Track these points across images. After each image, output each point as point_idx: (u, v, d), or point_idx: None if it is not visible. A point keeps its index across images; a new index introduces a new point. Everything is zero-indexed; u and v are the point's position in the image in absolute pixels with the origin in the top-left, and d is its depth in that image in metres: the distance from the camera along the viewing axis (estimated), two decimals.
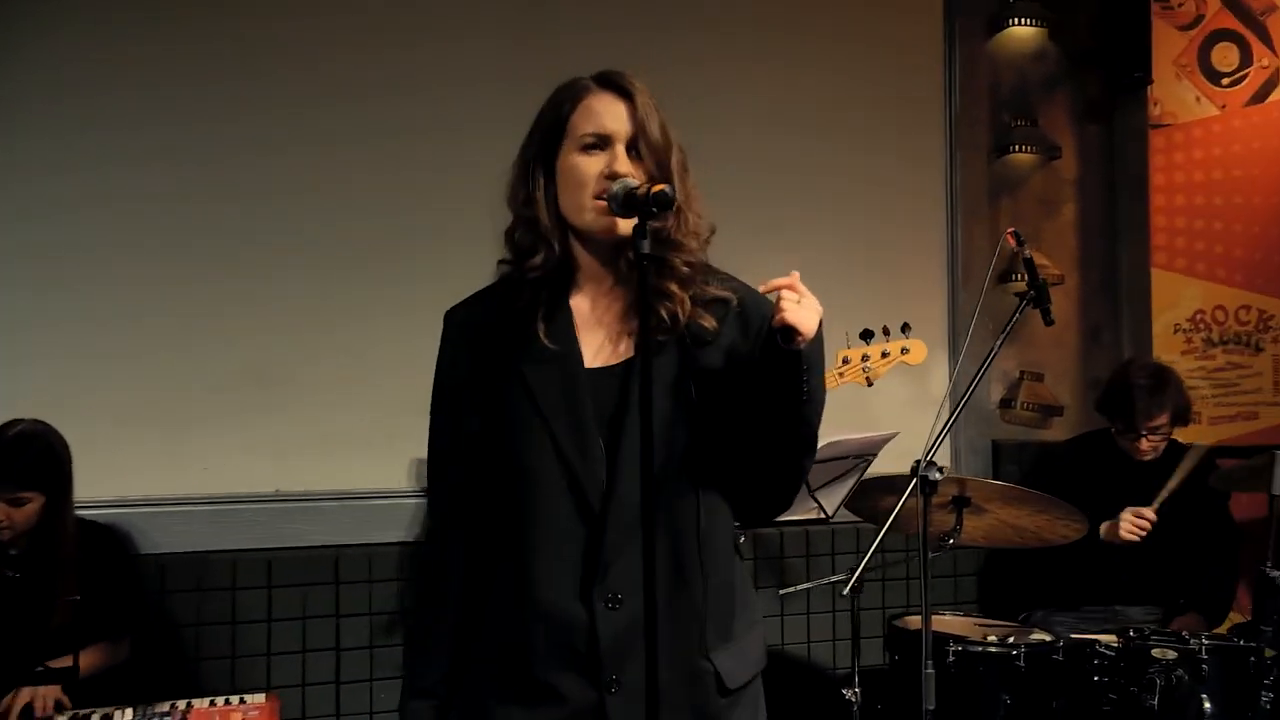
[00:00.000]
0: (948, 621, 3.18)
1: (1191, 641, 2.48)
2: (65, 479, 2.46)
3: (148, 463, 2.95)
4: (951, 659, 2.77)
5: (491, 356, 1.50)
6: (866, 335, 2.62)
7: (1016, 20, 4.03)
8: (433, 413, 1.60)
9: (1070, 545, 2.88)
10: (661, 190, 1.32)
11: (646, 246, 1.34)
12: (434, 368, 3.17)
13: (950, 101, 3.98)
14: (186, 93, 3.03)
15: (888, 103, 3.87)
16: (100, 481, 2.77)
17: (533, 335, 1.48)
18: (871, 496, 2.88)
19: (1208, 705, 2.43)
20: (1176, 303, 4.18)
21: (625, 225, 1.45)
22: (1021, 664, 2.75)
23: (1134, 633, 2.60)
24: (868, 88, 3.83)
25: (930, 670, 2.18)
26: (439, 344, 1.58)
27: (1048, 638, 2.90)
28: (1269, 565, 2.38)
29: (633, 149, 1.47)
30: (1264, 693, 2.49)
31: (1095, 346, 4.15)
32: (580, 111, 1.48)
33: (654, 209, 1.32)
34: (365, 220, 3.16)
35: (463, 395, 1.53)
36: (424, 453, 3.12)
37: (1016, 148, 4.03)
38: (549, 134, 1.50)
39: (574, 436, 1.44)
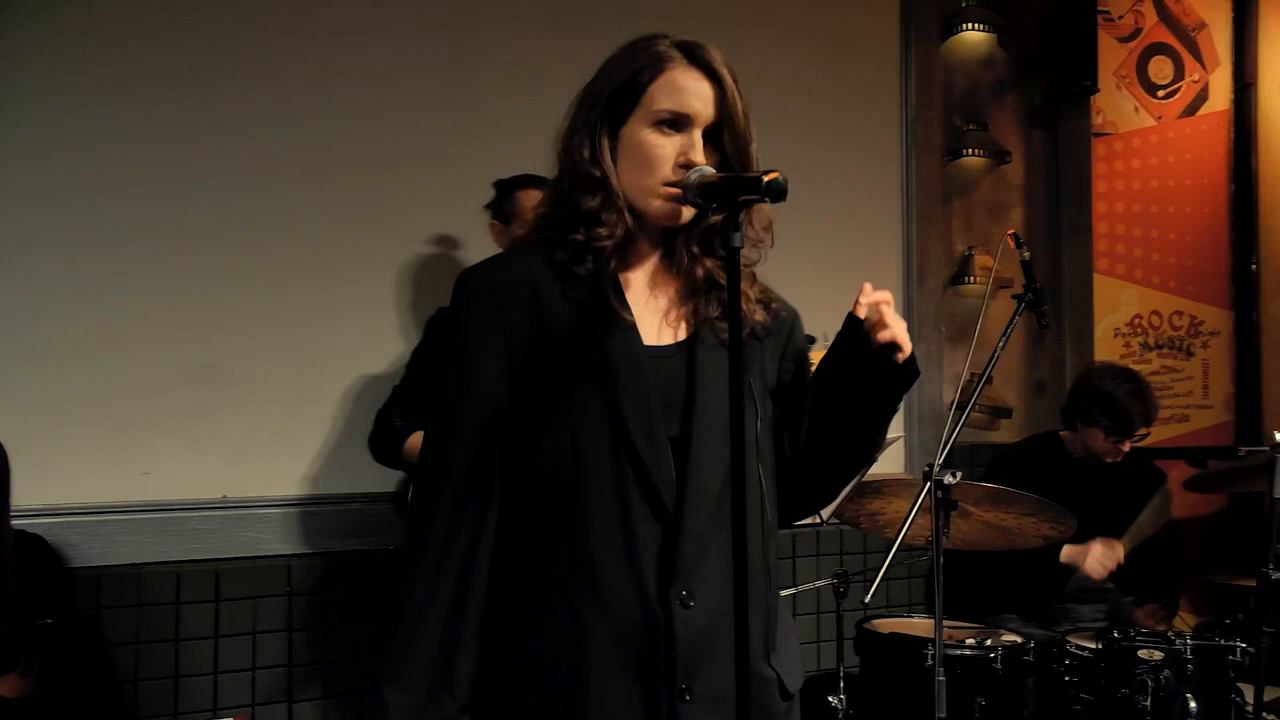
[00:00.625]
0: (915, 624, 3.16)
1: (1177, 642, 2.51)
2: (3, 487, 2.21)
3: (83, 468, 2.71)
4: (930, 663, 2.75)
5: (537, 323, 1.35)
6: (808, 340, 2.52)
7: (968, 25, 4.07)
8: (446, 383, 1.37)
9: (1028, 552, 2.90)
10: (777, 179, 1.21)
11: (739, 240, 1.24)
12: (393, 363, 3.01)
13: (906, 102, 3.99)
14: (129, 73, 2.79)
15: (846, 101, 3.85)
16: (31, 489, 2.51)
17: (593, 306, 1.35)
18: (854, 500, 2.83)
19: (1193, 704, 2.46)
20: (1116, 307, 4.28)
21: (685, 216, 1.37)
22: (998, 666, 2.75)
23: (1118, 634, 2.62)
24: (826, 85, 3.80)
25: (942, 678, 2.14)
26: (458, 306, 1.38)
27: (1019, 639, 2.90)
28: (1271, 567, 2.43)
29: (711, 137, 1.37)
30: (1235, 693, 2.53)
31: (1039, 350, 4.22)
32: (662, 84, 1.36)
33: (766, 199, 1.22)
34: (321, 212, 2.96)
35: (494, 364, 1.35)
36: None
37: (968, 151, 4.07)
38: (620, 97, 1.38)
39: (640, 418, 1.31)
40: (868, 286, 1.34)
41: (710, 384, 1.36)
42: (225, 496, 2.85)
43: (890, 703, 2.90)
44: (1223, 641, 2.54)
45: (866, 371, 1.34)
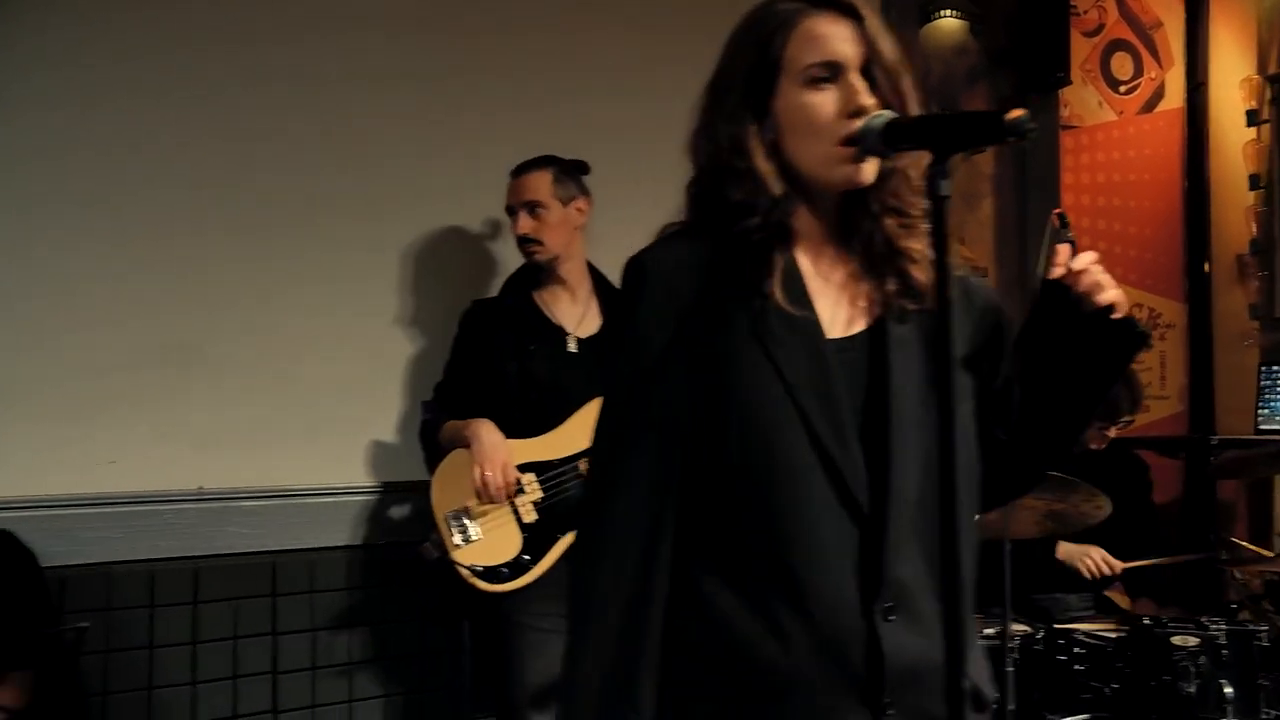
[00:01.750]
0: None
1: (1211, 627, 2.50)
2: None
3: (41, 456, 2.40)
4: None
5: (713, 316, 1.23)
6: None
7: (945, 11, 4.04)
8: (619, 375, 1.28)
9: (1019, 543, 2.88)
10: (1024, 117, 1.07)
11: (947, 188, 1.10)
12: (385, 345, 2.81)
13: None
14: (88, 32, 2.49)
15: None
16: None
17: (762, 298, 1.23)
18: None
19: (1228, 690, 2.45)
20: None
21: (869, 173, 1.23)
22: (1016, 655, 2.70)
23: (1149, 620, 2.60)
24: None
25: (1010, 668, 2.06)
26: (631, 291, 1.26)
27: (1028, 629, 2.86)
28: None
29: (865, 75, 1.23)
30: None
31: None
32: (798, 40, 1.23)
33: (1013, 139, 1.09)
34: (301, 177, 2.71)
35: (673, 359, 1.23)
36: (376, 441, 2.78)
37: None
38: (757, 71, 1.25)
39: (830, 419, 1.20)
40: (1067, 249, 1.25)
41: (903, 373, 1.24)
42: (201, 488, 2.58)
43: None
44: (1251, 625, 2.54)
45: (1081, 339, 1.24)
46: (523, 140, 2.63)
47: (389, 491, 2.77)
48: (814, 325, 1.24)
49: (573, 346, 2.50)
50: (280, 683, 2.61)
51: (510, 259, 2.74)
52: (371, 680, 2.71)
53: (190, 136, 2.59)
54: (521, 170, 2.55)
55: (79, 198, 2.48)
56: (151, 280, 2.55)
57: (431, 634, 2.75)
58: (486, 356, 2.50)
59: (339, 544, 2.72)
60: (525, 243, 2.52)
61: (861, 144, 1.19)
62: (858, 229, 1.28)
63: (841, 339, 1.25)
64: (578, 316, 2.54)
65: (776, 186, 1.24)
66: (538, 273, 2.56)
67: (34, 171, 2.44)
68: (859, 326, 1.27)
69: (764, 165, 1.23)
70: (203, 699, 2.51)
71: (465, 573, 2.32)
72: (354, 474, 2.76)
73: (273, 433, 2.67)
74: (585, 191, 2.58)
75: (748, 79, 1.25)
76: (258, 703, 2.58)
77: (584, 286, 2.58)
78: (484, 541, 2.36)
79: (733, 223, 1.24)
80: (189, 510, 2.55)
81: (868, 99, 1.21)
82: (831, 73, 1.22)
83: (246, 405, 2.64)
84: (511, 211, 2.55)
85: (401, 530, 2.74)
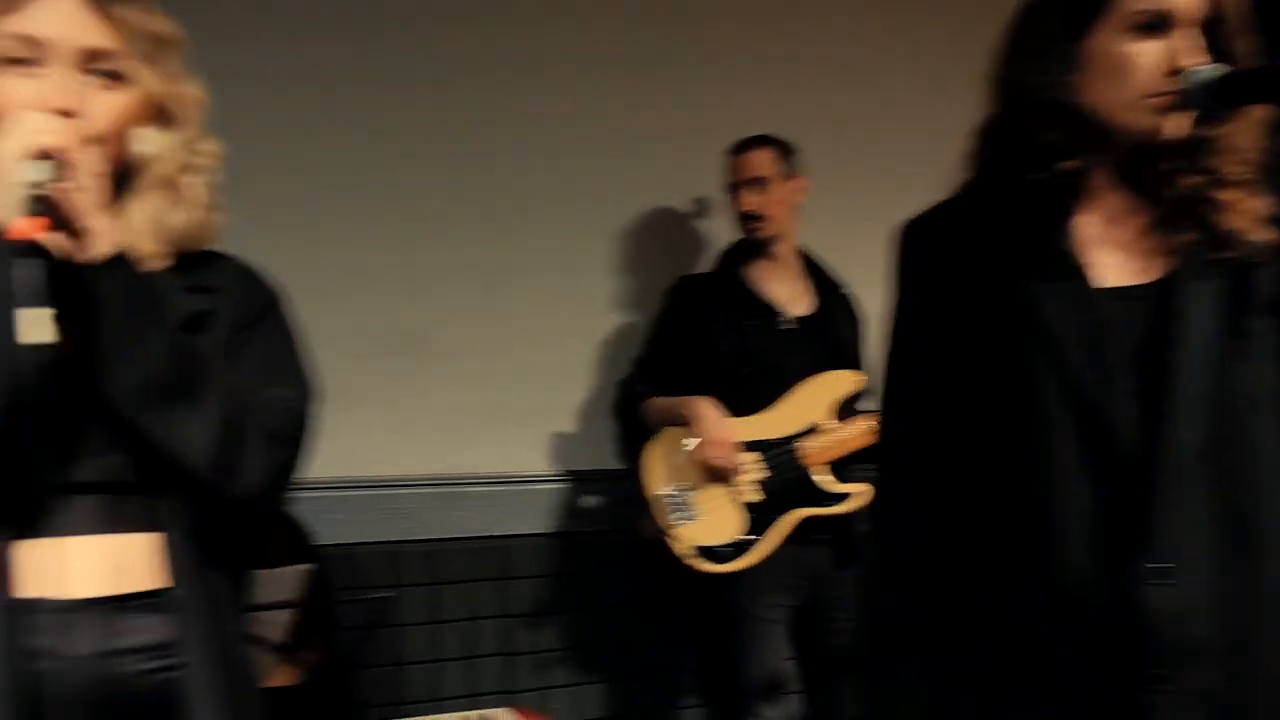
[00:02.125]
0: None
1: None
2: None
3: None
4: None
5: (976, 274, 1.24)
6: None
7: None
8: (893, 344, 1.35)
9: None
10: None
11: None
12: (606, 332, 2.85)
13: None
14: (314, 9, 2.60)
15: None
16: None
17: (1033, 250, 1.20)
18: None
19: None
20: None
21: (1176, 126, 1.16)
22: None
23: None
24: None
25: None
26: (898, 261, 1.33)
27: None
28: None
29: (1204, 31, 1.16)
30: None
31: None
32: None
33: None
34: (528, 162, 2.77)
35: (933, 321, 1.28)
36: (600, 427, 2.81)
37: None
38: (1079, 7, 1.19)
39: (1095, 367, 1.17)
40: None
41: (1197, 323, 1.17)
42: (436, 474, 2.66)
43: None
44: None
45: None
46: (727, 123, 2.64)
47: (607, 479, 2.78)
48: (1085, 273, 1.20)
49: (786, 324, 2.50)
50: (513, 664, 2.66)
51: (714, 240, 2.75)
52: (597, 664, 2.74)
53: (412, 126, 2.66)
54: (744, 147, 2.55)
55: (301, 181, 2.56)
56: (383, 269, 2.63)
57: (650, 621, 2.77)
58: (697, 332, 2.51)
59: (565, 529, 2.77)
60: (748, 219, 2.52)
61: (1184, 99, 1.13)
62: (1153, 181, 1.22)
63: (1122, 287, 1.21)
64: (789, 294, 2.54)
65: (1090, 130, 1.20)
66: (753, 249, 2.56)
67: (254, 155, 2.50)
68: (1149, 276, 1.21)
69: (1082, 106, 1.19)
70: (444, 677, 2.58)
71: (684, 551, 2.33)
72: (576, 460, 2.81)
73: (498, 419, 2.72)
74: (800, 171, 2.58)
75: (1067, 13, 1.20)
76: (492, 683, 2.64)
77: (795, 266, 2.58)
78: (703, 520, 2.36)
79: (1038, 165, 1.20)
80: (424, 495, 2.63)
81: (1192, 59, 1.14)
82: (1161, 23, 1.16)
83: (475, 392, 2.70)
84: (733, 189, 2.55)
85: (620, 517, 2.76)
